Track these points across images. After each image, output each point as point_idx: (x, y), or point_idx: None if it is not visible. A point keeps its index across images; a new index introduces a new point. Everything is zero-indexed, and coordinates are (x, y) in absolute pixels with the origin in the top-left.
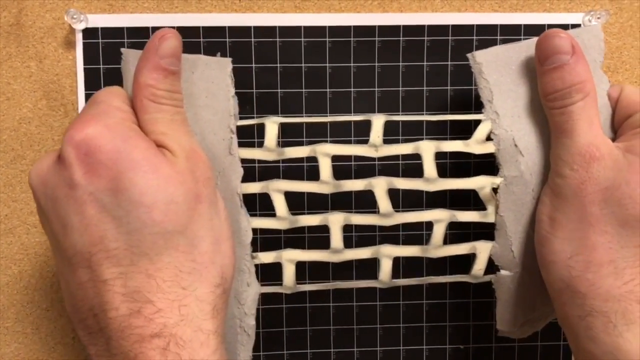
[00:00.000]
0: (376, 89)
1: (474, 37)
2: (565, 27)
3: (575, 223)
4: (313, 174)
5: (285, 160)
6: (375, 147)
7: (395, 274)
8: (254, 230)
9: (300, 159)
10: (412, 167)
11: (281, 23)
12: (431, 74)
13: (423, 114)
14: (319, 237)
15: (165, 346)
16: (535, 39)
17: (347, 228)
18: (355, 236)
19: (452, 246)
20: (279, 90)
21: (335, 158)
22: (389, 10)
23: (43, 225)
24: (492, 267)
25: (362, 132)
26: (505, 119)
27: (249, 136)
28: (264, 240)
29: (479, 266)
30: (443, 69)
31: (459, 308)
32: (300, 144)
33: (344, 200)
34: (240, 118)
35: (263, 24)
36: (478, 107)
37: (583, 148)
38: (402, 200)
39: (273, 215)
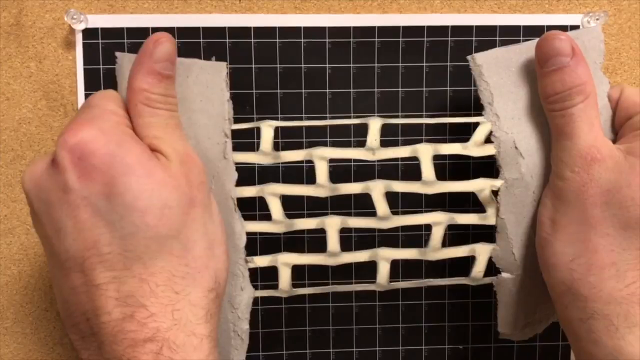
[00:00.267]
0: (376, 90)
1: (474, 38)
2: (564, 28)
3: (576, 225)
4: (313, 173)
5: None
6: (373, 150)
7: (394, 275)
8: (252, 232)
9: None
10: (411, 167)
11: (281, 24)
12: (430, 74)
13: (422, 115)
14: (318, 238)
15: (158, 350)
16: (535, 41)
17: (346, 229)
18: (354, 237)
19: (451, 249)
20: (278, 91)
21: (333, 159)
22: (389, 11)
23: (36, 228)
24: (491, 269)
25: (362, 133)
26: (505, 121)
27: (249, 137)
28: (264, 240)
29: (479, 269)
30: (442, 69)
31: (458, 308)
32: (300, 144)
33: (342, 202)
34: (240, 119)
35: (263, 25)
36: (477, 107)
37: (584, 150)
38: (401, 200)
39: (271, 217)
